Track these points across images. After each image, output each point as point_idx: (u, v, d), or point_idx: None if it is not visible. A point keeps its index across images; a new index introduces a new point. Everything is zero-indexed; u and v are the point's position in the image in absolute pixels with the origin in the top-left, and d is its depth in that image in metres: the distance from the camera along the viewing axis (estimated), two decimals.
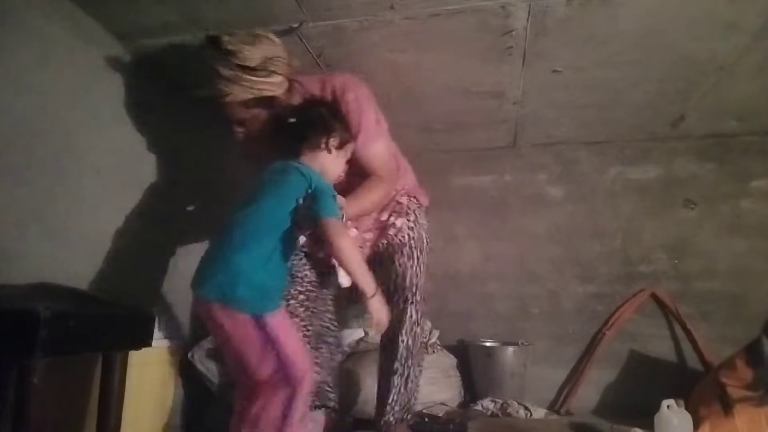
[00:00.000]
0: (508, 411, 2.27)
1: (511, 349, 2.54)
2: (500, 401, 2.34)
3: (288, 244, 1.36)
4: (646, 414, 1.85)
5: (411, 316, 1.73)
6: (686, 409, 1.81)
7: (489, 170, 2.89)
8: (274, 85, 1.55)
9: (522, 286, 2.76)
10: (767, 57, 1.83)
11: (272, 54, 1.54)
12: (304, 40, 1.76)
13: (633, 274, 2.63)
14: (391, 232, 1.78)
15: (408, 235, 1.78)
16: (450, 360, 2.57)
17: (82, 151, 1.69)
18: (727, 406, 1.84)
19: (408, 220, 1.80)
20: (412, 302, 1.73)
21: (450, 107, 2.32)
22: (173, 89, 2.13)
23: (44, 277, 1.49)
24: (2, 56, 1.42)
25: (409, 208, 1.83)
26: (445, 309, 2.78)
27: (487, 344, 2.65)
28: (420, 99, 2.23)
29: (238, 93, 1.53)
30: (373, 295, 1.37)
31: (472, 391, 2.55)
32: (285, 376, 1.28)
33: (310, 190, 1.37)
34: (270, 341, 1.27)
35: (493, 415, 2.27)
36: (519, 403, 2.31)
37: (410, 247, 1.77)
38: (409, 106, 2.31)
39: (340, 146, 1.52)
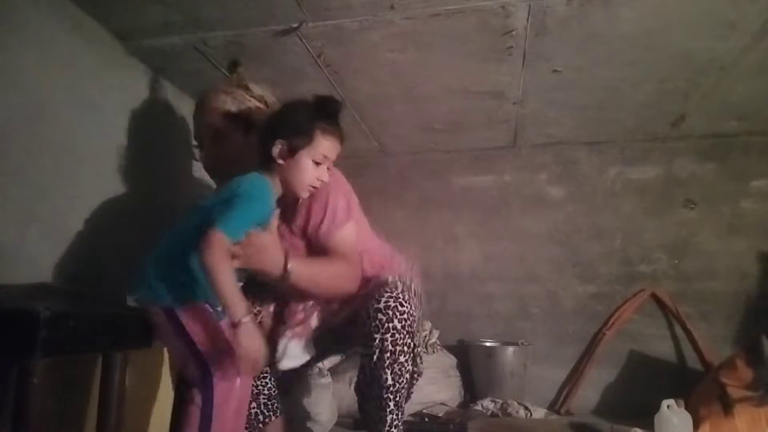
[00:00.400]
0: (508, 411, 2.27)
1: (511, 349, 2.54)
2: (500, 401, 2.34)
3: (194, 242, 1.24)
4: (646, 414, 1.85)
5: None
6: (686, 409, 1.81)
7: (489, 170, 2.89)
8: (261, 110, 1.59)
9: (522, 286, 2.76)
10: (767, 57, 1.83)
11: (272, 101, 1.64)
12: (304, 40, 1.76)
13: (633, 274, 2.63)
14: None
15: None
16: (450, 360, 2.57)
17: (82, 151, 1.69)
18: (727, 406, 1.84)
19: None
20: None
21: (450, 107, 2.32)
22: (173, 89, 2.13)
23: (44, 277, 1.49)
24: (2, 56, 1.41)
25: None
26: (445, 309, 2.78)
27: (487, 344, 2.65)
28: (420, 99, 2.23)
29: (226, 102, 1.57)
30: (239, 323, 1.15)
31: (472, 391, 2.56)
32: (202, 377, 1.22)
33: (226, 197, 1.28)
34: (181, 336, 1.22)
35: (493, 415, 2.27)
36: (519, 403, 2.31)
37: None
38: (409, 106, 2.31)
39: (292, 153, 1.37)
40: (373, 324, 1.39)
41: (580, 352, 2.63)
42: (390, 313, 1.40)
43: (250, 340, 1.16)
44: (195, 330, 1.23)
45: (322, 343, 1.62)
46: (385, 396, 1.39)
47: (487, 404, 2.34)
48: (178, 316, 1.23)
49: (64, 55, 1.62)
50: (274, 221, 1.44)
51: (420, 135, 2.67)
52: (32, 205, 1.51)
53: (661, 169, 2.67)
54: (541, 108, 2.33)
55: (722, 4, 1.55)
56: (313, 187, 1.41)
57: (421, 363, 1.59)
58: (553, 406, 2.57)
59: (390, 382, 1.39)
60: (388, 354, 1.39)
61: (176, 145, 2.17)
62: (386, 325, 1.39)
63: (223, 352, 1.21)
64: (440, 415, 2.25)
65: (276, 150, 1.37)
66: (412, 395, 1.64)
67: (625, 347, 2.58)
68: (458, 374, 2.57)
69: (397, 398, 1.41)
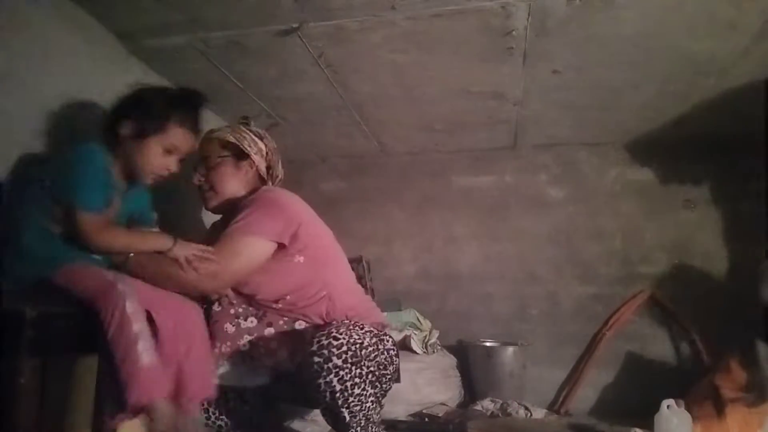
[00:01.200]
0: (508, 411, 2.27)
1: (510, 349, 2.54)
2: (500, 401, 2.34)
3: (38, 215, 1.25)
4: (646, 414, 1.85)
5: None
6: None
7: (489, 171, 2.89)
8: (256, 152, 1.59)
9: (522, 286, 2.76)
10: (767, 57, 1.83)
11: (272, 146, 1.65)
12: (304, 40, 1.76)
13: (633, 274, 2.63)
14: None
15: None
16: (450, 360, 2.57)
17: None
18: (720, 407, 1.85)
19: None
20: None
21: (450, 107, 2.32)
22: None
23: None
24: (2, 56, 1.41)
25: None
26: (445, 309, 2.78)
27: (487, 344, 2.65)
28: (420, 99, 2.23)
29: (224, 131, 1.61)
30: (172, 247, 1.30)
31: (471, 391, 2.56)
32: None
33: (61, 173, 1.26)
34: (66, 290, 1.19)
35: (493, 415, 2.27)
36: (519, 403, 2.31)
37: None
38: (410, 106, 2.31)
39: (141, 136, 1.33)
40: (312, 369, 1.31)
41: (580, 353, 2.63)
42: (325, 352, 1.30)
43: (187, 248, 1.31)
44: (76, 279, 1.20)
45: (280, 393, 1.58)
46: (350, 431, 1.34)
47: (486, 404, 2.34)
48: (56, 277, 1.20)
49: (64, 55, 1.62)
50: (117, 202, 1.39)
51: (420, 135, 2.67)
52: None
53: (661, 169, 2.67)
54: (541, 109, 2.33)
55: (722, 5, 1.55)
56: (159, 176, 1.39)
57: (388, 364, 1.45)
58: (553, 407, 2.57)
59: (348, 419, 1.33)
60: (338, 394, 1.30)
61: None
62: (325, 366, 1.29)
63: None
64: (440, 415, 2.25)
65: (125, 129, 1.34)
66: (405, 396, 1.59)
67: (625, 348, 2.58)
68: (458, 374, 2.57)
69: (360, 427, 1.35)
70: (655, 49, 1.79)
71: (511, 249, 2.80)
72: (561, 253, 2.74)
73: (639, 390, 2.44)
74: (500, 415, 2.27)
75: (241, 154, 1.59)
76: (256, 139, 1.62)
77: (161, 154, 1.36)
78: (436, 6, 1.56)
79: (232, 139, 1.59)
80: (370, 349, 1.36)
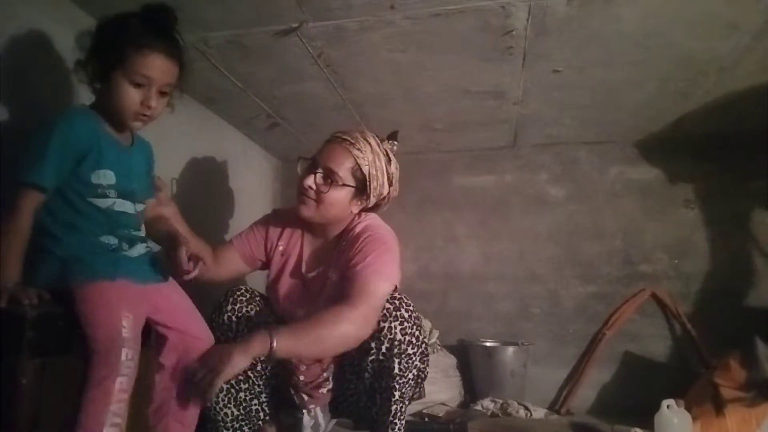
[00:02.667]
0: (508, 411, 2.27)
1: (511, 349, 2.54)
2: (500, 401, 2.35)
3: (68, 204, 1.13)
4: (646, 414, 1.85)
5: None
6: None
7: (489, 170, 2.89)
8: (377, 195, 1.55)
9: (522, 286, 2.76)
10: (767, 57, 1.83)
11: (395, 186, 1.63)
12: (304, 40, 1.76)
13: (633, 274, 2.63)
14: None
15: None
16: (450, 360, 2.57)
17: None
18: (719, 406, 1.85)
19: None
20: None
21: (450, 107, 2.32)
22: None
23: None
24: (2, 56, 1.41)
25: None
26: (445, 309, 2.78)
27: (487, 344, 2.65)
28: (420, 99, 2.23)
29: (365, 155, 1.50)
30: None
31: (472, 391, 2.56)
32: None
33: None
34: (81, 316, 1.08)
35: (493, 415, 2.27)
36: (519, 403, 2.32)
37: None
38: (409, 106, 2.31)
39: (104, 74, 1.17)
40: (381, 314, 1.38)
41: (581, 352, 2.63)
42: (396, 302, 1.41)
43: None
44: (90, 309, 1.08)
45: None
46: (392, 385, 1.39)
47: (487, 404, 2.34)
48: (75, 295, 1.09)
49: (64, 54, 1.62)
50: (164, 188, 1.36)
51: (420, 135, 2.67)
52: None
53: (661, 169, 2.67)
54: (541, 108, 2.33)
55: (722, 4, 1.55)
56: (142, 115, 1.19)
57: (428, 365, 1.55)
58: (553, 406, 2.57)
59: (397, 371, 1.38)
60: (397, 343, 1.37)
61: (175, 145, 2.17)
62: (394, 313, 1.39)
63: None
64: (440, 415, 2.25)
65: (89, 72, 1.18)
66: (421, 395, 1.62)
67: (626, 347, 2.58)
68: (458, 374, 2.57)
69: (403, 390, 1.40)
70: (656, 48, 1.79)
71: (511, 248, 2.80)
72: (561, 252, 2.74)
73: (639, 390, 2.44)
74: (501, 414, 2.27)
75: (364, 189, 1.53)
76: (387, 183, 1.55)
77: (133, 90, 1.16)
78: (435, 5, 1.56)
79: (365, 171, 1.50)
80: (424, 335, 1.49)
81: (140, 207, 1.27)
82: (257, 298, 1.60)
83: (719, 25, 1.64)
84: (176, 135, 2.18)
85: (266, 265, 1.68)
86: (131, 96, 1.16)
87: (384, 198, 1.61)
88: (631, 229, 2.67)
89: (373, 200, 1.57)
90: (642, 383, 2.47)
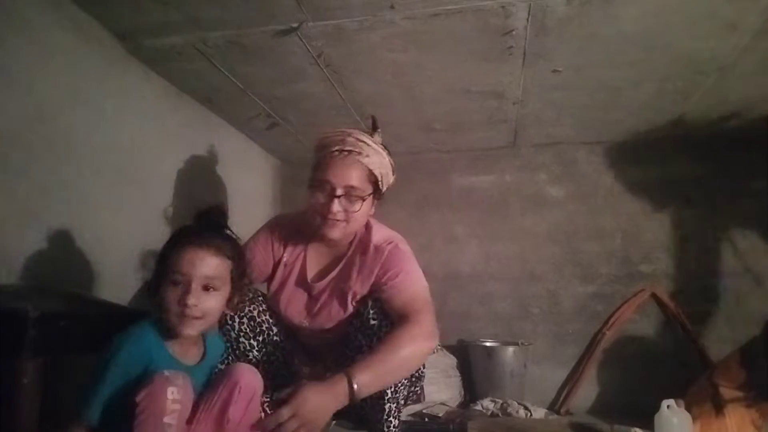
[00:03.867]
0: (508, 411, 2.27)
1: (511, 349, 2.54)
2: (500, 401, 2.34)
3: None
4: (646, 414, 1.85)
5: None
6: None
7: (489, 170, 2.88)
8: (388, 186, 1.55)
9: (522, 286, 2.76)
10: (767, 57, 1.83)
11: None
12: (304, 40, 1.76)
13: (633, 274, 2.63)
14: None
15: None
16: (450, 360, 2.57)
17: (82, 151, 1.69)
18: (719, 407, 1.85)
19: None
20: None
21: (450, 107, 2.32)
22: (173, 89, 2.13)
23: (44, 277, 1.49)
24: (2, 56, 1.41)
25: None
26: (445, 309, 2.77)
27: (487, 344, 2.65)
28: (420, 99, 2.23)
29: (373, 159, 1.47)
30: None
31: (472, 391, 2.56)
32: None
33: None
34: None
35: (493, 415, 2.27)
36: (519, 403, 2.31)
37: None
38: (409, 106, 2.31)
39: (158, 287, 1.18)
40: (371, 312, 1.39)
41: (580, 352, 2.63)
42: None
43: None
44: None
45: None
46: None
47: (487, 404, 2.34)
48: None
49: (64, 55, 1.62)
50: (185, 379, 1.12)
51: (420, 135, 2.67)
52: (32, 205, 1.51)
53: (661, 168, 2.67)
54: (541, 108, 2.33)
55: (722, 4, 1.55)
56: (183, 315, 1.15)
57: (424, 365, 1.54)
58: (553, 406, 2.57)
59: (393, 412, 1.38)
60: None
61: (175, 145, 2.17)
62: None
63: None
64: (440, 415, 2.24)
65: (156, 297, 1.18)
66: (419, 398, 1.62)
67: (626, 347, 2.58)
68: (458, 374, 2.57)
69: (396, 388, 1.39)
70: (655, 48, 1.79)
71: (511, 248, 2.80)
72: (561, 252, 2.73)
73: (640, 389, 2.44)
74: (500, 414, 2.26)
75: (378, 189, 1.52)
76: (391, 170, 1.55)
77: (170, 288, 1.15)
78: (435, 5, 1.56)
79: (377, 173, 1.49)
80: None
81: None
82: (260, 298, 1.58)
83: (719, 25, 1.64)
84: (176, 135, 2.18)
85: (269, 277, 1.63)
86: (169, 295, 1.14)
87: (390, 186, 1.60)
88: (631, 229, 2.67)
89: (384, 191, 1.57)
90: (642, 383, 2.47)
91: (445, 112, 2.37)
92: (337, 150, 1.46)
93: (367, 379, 1.20)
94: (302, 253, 1.60)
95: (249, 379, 1.20)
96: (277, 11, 1.61)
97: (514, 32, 1.69)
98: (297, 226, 1.60)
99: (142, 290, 1.23)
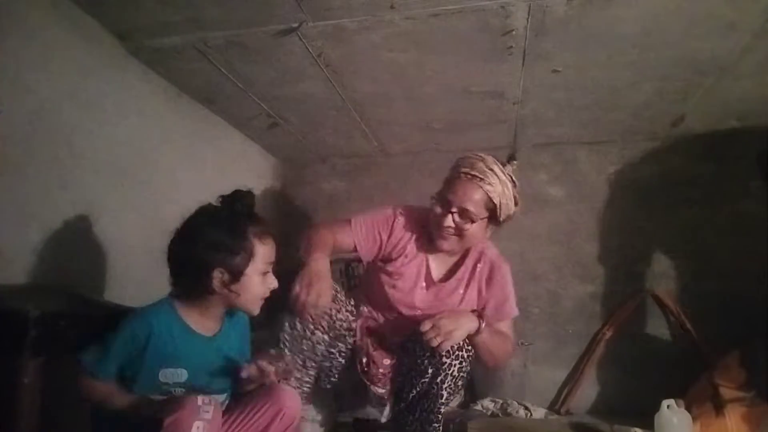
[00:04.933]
0: (508, 411, 2.27)
1: None
2: (500, 401, 2.35)
3: None
4: (646, 414, 1.85)
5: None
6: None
7: None
8: (505, 219, 1.67)
9: (522, 285, 2.73)
10: (767, 57, 1.83)
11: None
12: (304, 40, 1.76)
13: (633, 273, 2.63)
14: None
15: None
16: None
17: (82, 151, 1.69)
18: (719, 406, 1.85)
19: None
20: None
21: (450, 107, 2.32)
22: (173, 89, 2.13)
23: (44, 278, 1.49)
24: (2, 56, 1.41)
25: None
26: None
27: None
28: (420, 99, 2.23)
29: (496, 188, 1.60)
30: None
31: (472, 390, 2.55)
32: None
33: None
34: None
35: (493, 415, 2.27)
36: (519, 403, 2.32)
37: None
38: (409, 106, 2.31)
39: (236, 277, 1.23)
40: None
41: (580, 352, 2.63)
42: (461, 342, 1.50)
43: None
44: None
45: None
46: (436, 409, 1.52)
47: (487, 404, 2.34)
48: None
49: (64, 55, 1.62)
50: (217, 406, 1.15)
51: (420, 135, 2.67)
52: (32, 205, 1.51)
53: (661, 169, 2.67)
54: (540, 108, 2.33)
55: (722, 4, 1.55)
56: (264, 299, 1.28)
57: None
58: (553, 406, 2.57)
59: (443, 399, 1.52)
60: (451, 378, 1.50)
61: (175, 145, 2.17)
62: (456, 352, 1.49)
63: None
64: None
65: (216, 281, 1.21)
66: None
67: (625, 347, 2.58)
68: None
69: (440, 415, 1.55)
70: (655, 48, 1.79)
71: (511, 248, 2.79)
72: (561, 252, 2.73)
73: (640, 389, 2.43)
74: (500, 414, 2.27)
75: (495, 216, 1.64)
76: (513, 205, 1.67)
77: (261, 280, 1.25)
78: (435, 5, 1.56)
79: (496, 201, 1.61)
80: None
81: (220, 397, 1.26)
82: (337, 295, 1.60)
83: (719, 25, 1.64)
84: (176, 135, 2.18)
85: (373, 259, 1.74)
86: (262, 287, 1.27)
87: (510, 216, 1.71)
88: (631, 229, 2.67)
89: (502, 221, 1.70)
90: (642, 383, 2.47)
91: (445, 112, 2.37)
92: (464, 172, 1.61)
93: (486, 334, 1.51)
94: (423, 250, 1.73)
95: (293, 408, 1.26)
96: (277, 11, 1.61)
97: (513, 32, 1.69)
98: (421, 223, 1.73)
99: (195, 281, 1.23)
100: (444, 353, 1.46)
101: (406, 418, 1.59)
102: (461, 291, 1.71)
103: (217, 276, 1.20)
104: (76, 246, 1.66)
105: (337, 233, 1.66)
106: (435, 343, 1.41)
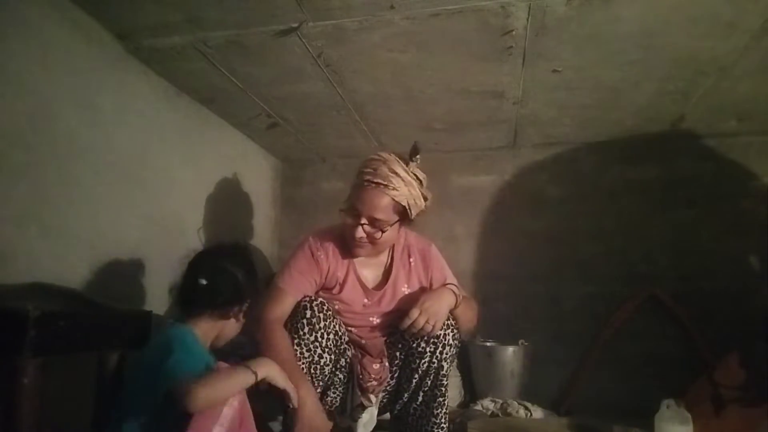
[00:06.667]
0: (508, 411, 2.27)
1: (511, 349, 2.54)
2: (500, 401, 2.34)
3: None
4: (646, 414, 1.85)
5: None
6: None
7: (489, 170, 2.88)
8: (418, 213, 1.65)
9: (522, 285, 2.75)
10: (767, 57, 1.83)
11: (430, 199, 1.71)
12: (304, 40, 1.76)
13: (633, 274, 2.63)
14: None
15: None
16: None
17: (82, 151, 1.69)
18: (719, 407, 1.85)
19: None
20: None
21: (450, 107, 2.32)
22: (173, 89, 2.13)
23: (44, 278, 1.49)
24: (2, 56, 1.41)
25: None
26: None
27: (487, 344, 2.64)
28: (420, 99, 2.23)
29: (401, 191, 1.56)
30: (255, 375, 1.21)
31: (472, 391, 2.56)
32: None
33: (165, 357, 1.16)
34: None
35: (493, 415, 2.27)
36: (519, 403, 2.31)
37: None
38: (409, 106, 2.31)
39: (247, 314, 1.40)
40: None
41: (580, 352, 2.63)
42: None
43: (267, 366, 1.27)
44: None
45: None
46: (440, 382, 1.63)
47: (487, 404, 2.34)
48: None
49: (64, 55, 1.62)
50: None
51: (420, 135, 2.66)
52: (32, 205, 1.51)
53: (661, 169, 2.67)
54: (541, 108, 2.33)
55: (722, 4, 1.55)
56: None
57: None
58: (553, 406, 2.57)
59: (444, 371, 1.63)
60: (448, 347, 1.62)
61: (175, 145, 2.17)
62: (447, 322, 1.61)
63: None
64: None
65: (238, 311, 1.37)
66: None
67: (625, 347, 2.57)
68: (458, 374, 2.56)
69: (446, 389, 1.66)
70: (655, 48, 1.79)
71: (511, 248, 2.80)
72: (561, 252, 2.73)
73: (640, 389, 2.43)
74: (500, 414, 2.26)
75: (406, 216, 1.63)
76: (422, 201, 1.64)
77: None
78: (435, 5, 1.56)
79: (404, 203, 1.58)
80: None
81: None
82: (330, 311, 1.61)
83: (719, 24, 1.64)
84: (176, 135, 2.18)
85: (316, 293, 1.69)
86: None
87: (424, 211, 1.70)
88: (631, 229, 2.67)
89: (415, 218, 1.68)
90: (642, 383, 2.47)
91: (444, 112, 2.37)
92: (367, 180, 1.57)
93: (462, 307, 1.65)
94: (350, 263, 1.71)
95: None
96: (277, 11, 1.61)
97: (513, 32, 1.69)
98: (336, 241, 1.71)
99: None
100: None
101: (409, 408, 1.67)
102: (404, 289, 1.73)
103: (244, 306, 1.37)
104: (76, 246, 1.66)
105: (286, 320, 1.58)
106: (429, 328, 1.50)
